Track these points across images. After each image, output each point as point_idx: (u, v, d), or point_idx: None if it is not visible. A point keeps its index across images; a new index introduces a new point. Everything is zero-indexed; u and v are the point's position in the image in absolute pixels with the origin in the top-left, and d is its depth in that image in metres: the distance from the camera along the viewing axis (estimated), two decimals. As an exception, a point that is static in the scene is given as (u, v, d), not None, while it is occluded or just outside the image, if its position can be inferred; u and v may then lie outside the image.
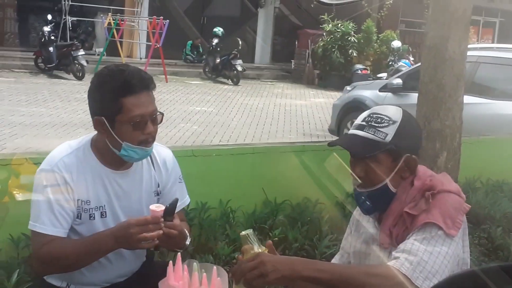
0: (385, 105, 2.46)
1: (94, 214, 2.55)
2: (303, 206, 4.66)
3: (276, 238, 4.29)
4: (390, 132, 2.30)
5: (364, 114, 2.41)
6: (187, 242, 2.59)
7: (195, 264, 2.24)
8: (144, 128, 2.47)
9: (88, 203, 2.54)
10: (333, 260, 2.72)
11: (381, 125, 2.32)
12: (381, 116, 2.34)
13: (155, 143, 2.63)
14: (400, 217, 2.31)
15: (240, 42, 19.68)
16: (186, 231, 2.60)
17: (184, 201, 2.84)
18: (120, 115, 2.44)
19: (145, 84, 2.49)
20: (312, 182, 4.49)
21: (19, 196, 3.44)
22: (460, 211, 2.26)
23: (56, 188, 2.49)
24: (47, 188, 2.49)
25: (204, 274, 2.21)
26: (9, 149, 8.67)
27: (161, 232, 2.34)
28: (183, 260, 2.27)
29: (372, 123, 2.34)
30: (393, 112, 2.35)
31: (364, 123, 2.36)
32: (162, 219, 2.34)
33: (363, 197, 2.39)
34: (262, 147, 5.04)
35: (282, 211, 4.54)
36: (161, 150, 2.77)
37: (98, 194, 2.56)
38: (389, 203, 2.36)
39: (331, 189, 4.53)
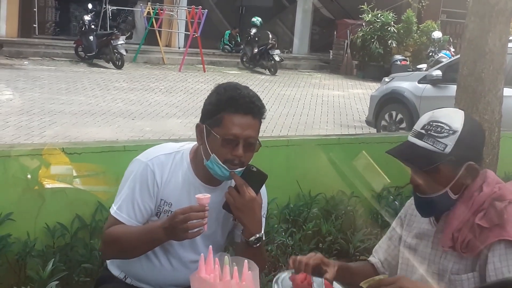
0: (445, 110, 2.36)
1: None
2: (338, 199, 4.63)
3: (310, 231, 4.28)
4: (450, 143, 2.24)
5: (424, 119, 2.33)
6: (258, 235, 2.55)
7: (227, 257, 2.24)
8: (233, 149, 2.47)
9: (169, 205, 2.58)
10: (378, 248, 2.69)
11: (441, 135, 2.25)
12: (441, 124, 2.26)
13: None
14: (466, 223, 2.27)
15: (270, 36, 19.55)
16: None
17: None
18: (217, 128, 2.47)
19: (251, 108, 2.48)
20: (347, 175, 4.46)
21: (54, 185, 3.48)
22: None
23: (144, 182, 2.55)
24: (135, 179, 2.56)
25: (235, 267, 2.20)
26: (48, 137, 8.81)
27: (205, 222, 2.34)
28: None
29: (432, 132, 2.27)
30: (454, 120, 2.27)
31: (423, 131, 2.29)
32: (207, 208, 2.35)
33: (422, 202, 2.36)
34: (296, 139, 5.00)
35: (316, 204, 4.52)
36: None
37: (181, 200, 2.58)
38: (449, 208, 2.32)
39: (366, 182, 4.48)
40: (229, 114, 2.46)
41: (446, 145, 2.23)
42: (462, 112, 2.33)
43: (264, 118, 2.57)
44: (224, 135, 2.45)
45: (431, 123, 2.29)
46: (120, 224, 2.54)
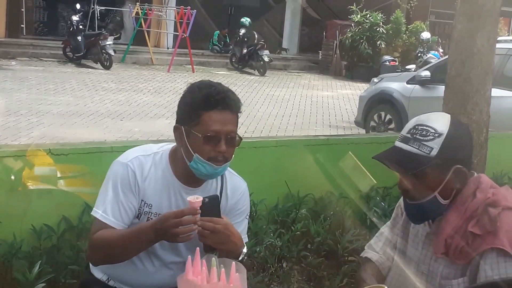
0: (432, 114, 2.36)
1: (152, 219, 2.56)
2: (326, 200, 4.62)
3: (298, 232, 4.27)
4: (435, 146, 2.23)
5: (410, 124, 2.33)
6: (244, 250, 2.52)
7: (214, 259, 2.24)
8: (215, 145, 2.45)
9: (149, 207, 2.56)
10: (376, 241, 2.64)
11: (426, 138, 2.24)
12: (427, 128, 2.26)
13: (234, 172, 2.68)
14: (459, 230, 2.25)
15: (256, 36, 19.60)
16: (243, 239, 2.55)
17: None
18: (197, 127, 2.45)
19: (227, 103, 2.48)
20: (335, 176, 4.45)
21: (41, 187, 3.45)
22: None
23: (126, 182, 2.53)
24: (117, 180, 2.53)
25: (223, 269, 2.20)
26: (36, 138, 8.76)
27: (195, 227, 2.31)
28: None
29: (417, 136, 2.26)
30: (440, 124, 2.27)
31: (409, 135, 2.29)
32: (200, 211, 2.32)
33: (412, 209, 2.35)
34: (285, 140, 5.00)
35: (305, 205, 4.51)
36: (235, 179, 2.73)
37: (161, 201, 2.57)
38: (440, 213, 2.31)
39: (355, 183, 4.48)
40: (207, 112, 2.44)
41: (432, 148, 2.23)
42: (449, 115, 2.33)
43: (241, 112, 2.57)
44: (205, 132, 2.44)
45: (416, 127, 2.28)
46: (107, 229, 2.50)
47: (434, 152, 2.22)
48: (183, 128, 2.50)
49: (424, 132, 2.25)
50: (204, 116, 2.44)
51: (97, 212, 2.53)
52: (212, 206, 2.39)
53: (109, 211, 2.51)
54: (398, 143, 2.32)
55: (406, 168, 2.27)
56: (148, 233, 2.39)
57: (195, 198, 2.34)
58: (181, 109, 2.54)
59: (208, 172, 2.49)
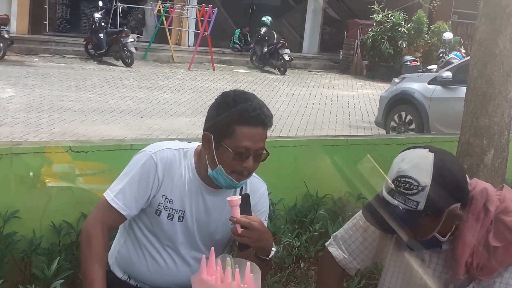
0: (414, 158, 2.21)
1: (173, 215, 2.58)
2: (345, 200, 4.60)
3: (316, 233, 4.26)
4: (421, 199, 2.14)
5: (393, 172, 2.23)
6: (274, 249, 2.55)
7: (229, 259, 2.24)
8: (243, 161, 2.44)
9: (171, 202, 2.57)
10: (346, 237, 2.65)
11: (410, 192, 2.14)
12: (409, 180, 2.15)
13: (254, 174, 2.63)
14: (477, 247, 2.18)
15: (275, 35, 19.60)
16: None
17: None
18: (228, 140, 2.43)
19: (262, 120, 2.45)
20: (354, 176, 4.42)
21: (61, 184, 3.47)
22: None
23: (144, 173, 2.53)
24: (137, 169, 2.53)
25: (237, 269, 2.20)
26: (57, 134, 8.83)
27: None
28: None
29: (401, 189, 2.16)
30: (422, 173, 2.15)
31: (393, 187, 2.19)
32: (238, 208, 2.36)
33: (409, 242, 2.29)
34: (304, 139, 4.98)
35: (323, 205, 4.49)
36: (255, 180, 2.71)
37: (183, 198, 2.57)
38: (441, 244, 2.27)
39: (374, 184, 4.46)
40: (241, 127, 2.42)
41: (418, 203, 2.14)
42: (432, 156, 2.19)
43: (271, 126, 2.54)
44: (236, 148, 2.42)
45: (399, 178, 2.18)
46: (103, 240, 2.52)
47: (421, 206, 2.14)
48: (212, 137, 2.48)
49: (407, 185, 2.15)
50: (237, 131, 2.42)
51: (109, 195, 2.53)
52: (244, 205, 2.41)
53: (121, 197, 2.51)
54: (385, 194, 2.23)
55: (396, 224, 2.20)
56: None
57: (234, 198, 2.36)
58: (213, 118, 2.50)
59: (225, 184, 2.50)
